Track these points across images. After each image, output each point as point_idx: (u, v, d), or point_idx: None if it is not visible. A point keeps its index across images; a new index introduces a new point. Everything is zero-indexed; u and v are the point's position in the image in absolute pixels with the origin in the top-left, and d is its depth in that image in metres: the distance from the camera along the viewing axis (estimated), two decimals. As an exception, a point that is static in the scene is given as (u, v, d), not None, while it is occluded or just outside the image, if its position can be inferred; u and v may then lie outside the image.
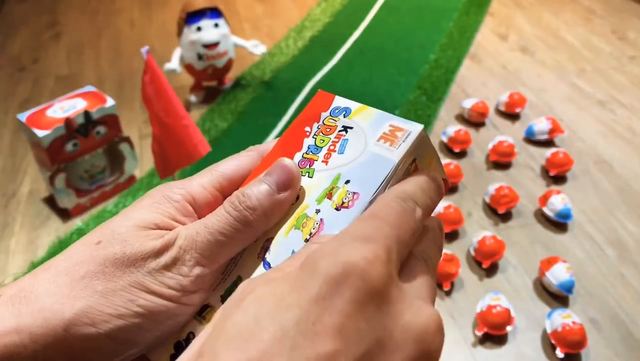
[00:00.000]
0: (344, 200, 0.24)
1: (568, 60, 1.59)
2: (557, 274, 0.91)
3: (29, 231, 1.11)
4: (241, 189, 0.25)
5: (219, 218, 0.24)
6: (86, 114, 1.07)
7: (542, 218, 1.07)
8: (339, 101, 0.28)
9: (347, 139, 0.26)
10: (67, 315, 0.22)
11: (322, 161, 0.26)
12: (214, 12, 1.37)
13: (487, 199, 1.08)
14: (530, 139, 1.27)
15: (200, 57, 1.37)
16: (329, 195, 0.25)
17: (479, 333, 0.86)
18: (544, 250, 1.00)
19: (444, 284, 0.93)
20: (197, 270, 0.24)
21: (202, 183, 0.26)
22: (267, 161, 0.28)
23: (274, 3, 1.98)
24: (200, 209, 0.26)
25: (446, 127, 1.26)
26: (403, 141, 0.25)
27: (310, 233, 0.24)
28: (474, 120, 1.32)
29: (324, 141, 0.27)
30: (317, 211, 0.25)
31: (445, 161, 1.14)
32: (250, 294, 0.19)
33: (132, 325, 0.23)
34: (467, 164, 1.21)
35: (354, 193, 0.24)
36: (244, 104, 1.42)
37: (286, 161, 0.25)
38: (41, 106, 1.09)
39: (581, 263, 0.98)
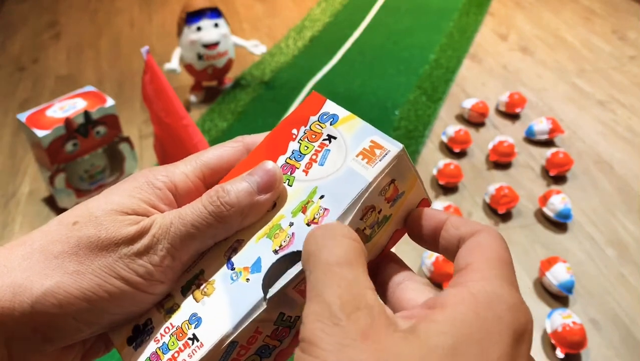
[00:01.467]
0: (315, 216, 0.24)
1: (568, 60, 1.59)
2: (557, 275, 0.91)
3: (29, 231, 1.10)
4: (221, 184, 0.25)
5: (193, 210, 0.24)
6: (86, 114, 1.07)
7: (542, 218, 1.07)
8: (329, 107, 0.28)
9: (329, 150, 0.26)
10: (35, 292, 0.23)
11: (303, 170, 0.26)
12: (214, 12, 1.37)
13: (487, 199, 1.08)
14: (530, 139, 1.27)
15: (200, 57, 1.37)
16: (304, 209, 0.25)
17: (479, 333, 0.86)
18: (544, 250, 1.00)
19: (444, 284, 0.93)
20: (167, 261, 0.24)
21: (185, 171, 0.27)
22: (252, 158, 0.28)
23: (274, 3, 1.98)
24: (181, 197, 0.26)
25: (446, 127, 1.26)
26: (380, 160, 0.24)
27: (281, 245, 0.24)
28: (474, 120, 1.32)
29: (307, 148, 0.27)
30: (291, 225, 0.25)
31: (445, 161, 1.14)
32: (427, 327, 0.19)
33: (97, 308, 0.23)
34: (467, 164, 1.21)
35: (325, 209, 0.24)
36: (244, 104, 1.42)
37: (271, 165, 0.25)
38: (41, 106, 1.09)
39: (581, 263, 0.98)
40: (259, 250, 0.25)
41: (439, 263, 0.93)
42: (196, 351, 0.23)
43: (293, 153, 0.27)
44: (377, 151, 0.25)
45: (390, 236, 0.27)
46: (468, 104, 1.33)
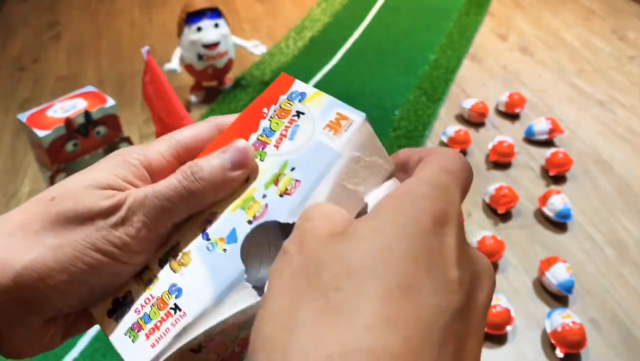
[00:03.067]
0: (288, 187, 0.25)
1: (568, 60, 1.59)
2: (557, 274, 0.91)
3: (29, 231, 1.11)
4: (195, 160, 0.26)
5: (167, 185, 0.25)
6: (86, 114, 1.07)
7: (542, 218, 1.07)
8: (298, 86, 0.29)
9: (298, 125, 0.27)
10: (17, 266, 0.23)
11: (274, 146, 0.27)
12: (214, 13, 1.37)
13: (487, 199, 1.08)
14: (530, 139, 1.27)
15: (200, 57, 1.37)
16: (276, 181, 0.26)
17: (479, 333, 0.86)
18: (544, 250, 1.01)
19: (443, 284, 0.93)
20: (142, 232, 0.25)
21: (159, 149, 0.28)
22: (225, 137, 0.29)
23: (274, 3, 1.98)
24: (155, 174, 0.27)
25: (446, 128, 1.26)
26: (345, 130, 0.26)
27: (255, 216, 0.25)
28: (474, 120, 1.33)
29: (277, 124, 0.28)
30: (264, 196, 0.26)
31: (445, 161, 1.15)
32: (362, 227, 0.20)
33: (77, 280, 0.24)
34: (467, 164, 1.21)
35: (297, 181, 0.25)
36: (244, 104, 1.42)
37: (242, 142, 0.27)
38: (41, 106, 1.09)
39: (581, 263, 0.98)
40: (233, 221, 0.26)
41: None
42: (179, 320, 0.24)
43: (264, 130, 0.28)
44: (342, 122, 0.26)
45: None
46: (468, 104, 1.33)
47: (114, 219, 0.25)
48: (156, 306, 0.25)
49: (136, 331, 0.25)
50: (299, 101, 0.28)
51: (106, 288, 0.26)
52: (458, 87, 1.47)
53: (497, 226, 1.06)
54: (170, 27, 1.77)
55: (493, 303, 0.87)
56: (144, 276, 0.26)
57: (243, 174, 0.26)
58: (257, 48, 1.45)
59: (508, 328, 0.85)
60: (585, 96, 1.44)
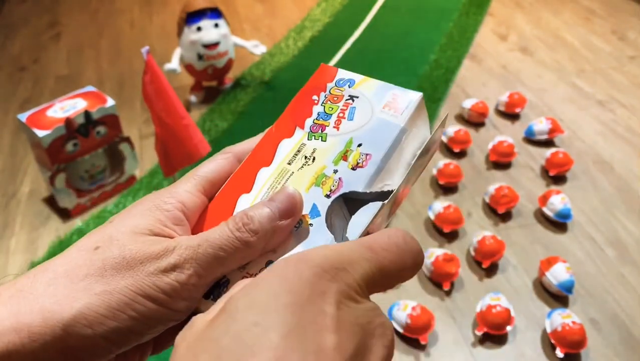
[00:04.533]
0: (359, 161, 0.27)
1: (568, 60, 1.59)
2: (557, 274, 0.91)
3: (29, 231, 1.11)
4: (245, 210, 0.26)
5: (221, 235, 0.25)
6: (86, 114, 1.07)
7: (542, 218, 1.07)
8: (343, 73, 0.30)
9: (354, 107, 0.29)
10: (66, 315, 0.23)
11: (334, 127, 0.28)
12: (214, 13, 1.37)
13: (487, 199, 1.08)
14: (530, 139, 1.27)
15: (200, 57, 1.37)
16: (344, 157, 0.27)
17: (479, 333, 0.86)
18: (544, 250, 1.00)
19: (444, 284, 0.93)
20: (193, 279, 0.25)
21: (187, 188, 0.28)
22: (279, 126, 0.30)
23: (274, 3, 1.98)
24: (191, 212, 0.27)
25: (446, 128, 1.26)
26: (406, 109, 0.28)
27: (331, 190, 0.27)
28: (474, 120, 1.33)
29: (332, 108, 0.29)
30: (335, 172, 0.27)
31: (445, 161, 1.15)
32: (236, 304, 0.20)
33: (125, 328, 0.24)
34: (467, 164, 1.21)
35: (367, 155, 0.27)
36: (244, 104, 1.42)
37: (291, 189, 0.26)
38: (41, 106, 1.09)
39: (581, 263, 0.98)
40: (311, 198, 0.27)
41: (439, 263, 0.93)
42: None
43: (319, 115, 0.29)
44: (401, 101, 0.28)
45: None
46: (468, 104, 1.33)
47: (164, 263, 0.24)
48: None
49: None
50: (349, 87, 0.30)
51: (151, 334, 0.25)
52: (458, 87, 1.47)
53: (497, 226, 1.06)
54: (170, 27, 1.77)
55: (493, 303, 0.87)
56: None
57: (292, 221, 0.26)
58: (257, 48, 1.45)
59: (508, 328, 0.85)
60: (585, 96, 1.44)
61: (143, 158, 1.27)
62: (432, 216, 1.04)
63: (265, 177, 0.28)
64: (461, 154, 1.23)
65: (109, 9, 2.00)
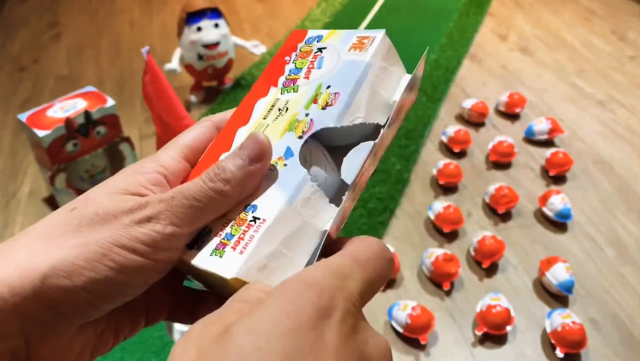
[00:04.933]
0: (328, 100, 0.28)
1: (568, 60, 1.59)
2: (557, 274, 0.91)
3: (29, 231, 1.11)
4: (217, 162, 0.27)
5: (195, 186, 0.26)
6: (86, 114, 1.07)
7: (542, 218, 1.07)
8: (312, 33, 0.32)
9: (322, 57, 0.30)
10: (43, 267, 0.23)
11: (304, 77, 0.29)
12: (214, 13, 1.37)
13: (487, 199, 1.08)
14: (530, 139, 1.27)
15: (200, 57, 1.37)
16: (315, 100, 0.28)
17: (479, 333, 0.86)
18: (544, 250, 1.01)
19: (443, 284, 0.93)
20: (170, 229, 0.25)
21: (169, 155, 0.29)
22: (255, 89, 0.31)
23: (274, 3, 1.98)
24: (174, 177, 0.28)
25: (446, 128, 1.26)
26: (370, 45, 0.29)
27: (303, 131, 0.27)
28: (474, 120, 1.33)
29: (302, 63, 0.30)
30: (307, 115, 0.28)
31: (445, 161, 1.15)
32: (237, 328, 0.20)
33: (105, 278, 0.24)
34: (467, 164, 1.21)
35: (335, 93, 0.28)
36: (244, 104, 1.42)
37: (257, 134, 0.27)
38: (41, 106, 1.09)
39: (581, 263, 0.98)
40: (285, 142, 0.27)
41: (438, 263, 0.93)
42: (261, 226, 0.25)
43: (290, 71, 0.30)
44: (365, 41, 0.29)
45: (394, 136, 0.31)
46: (468, 104, 1.33)
47: (138, 215, 0.25)
48: (236, 224, 0.26)
49: (221, 249, 0.25)
50: (317, 41, 0.31)
51: (135, 288, 0.25)
52: (458, 87, 1.47)
53: (497, 226, 1.06)
54: (170, 27, 1.77)
55: (493, 303, 0.87)
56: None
57: (264, 165, 0.27)
58: (257, 48, 1.45)
59: (508, 328, 0.85)
60: (585, 96, 1.44)
61: (143, 158, 1.27)
62: (432, 216, 1.04)
63: (243, 135, 0.29)
64: (461, 154, 1.23)
65: (109, 9, 2.00)
